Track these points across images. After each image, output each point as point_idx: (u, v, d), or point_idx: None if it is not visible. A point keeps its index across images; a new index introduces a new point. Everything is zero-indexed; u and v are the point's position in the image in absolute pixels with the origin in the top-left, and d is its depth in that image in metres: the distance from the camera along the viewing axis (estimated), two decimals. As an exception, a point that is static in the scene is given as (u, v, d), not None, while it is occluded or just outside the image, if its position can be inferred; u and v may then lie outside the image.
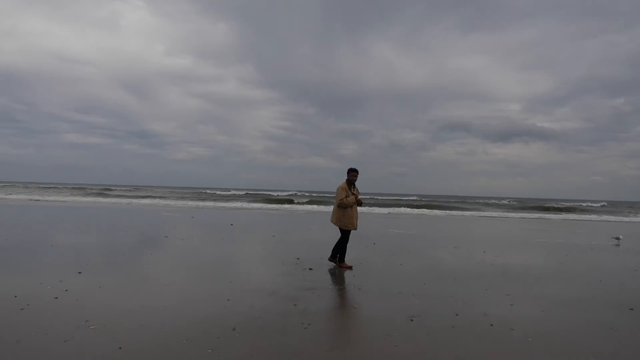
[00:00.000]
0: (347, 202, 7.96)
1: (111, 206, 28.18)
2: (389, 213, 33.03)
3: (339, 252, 8.30)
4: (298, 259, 8.97)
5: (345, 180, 8.20)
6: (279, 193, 63.38)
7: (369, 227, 16.96)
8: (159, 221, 16.99)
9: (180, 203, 36.04)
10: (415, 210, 37.31)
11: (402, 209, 38.29)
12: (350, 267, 8.21)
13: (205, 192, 58.59)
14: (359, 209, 8.20)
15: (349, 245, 9.09)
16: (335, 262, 8.18)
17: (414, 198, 58.79)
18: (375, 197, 58.03)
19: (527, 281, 7.54)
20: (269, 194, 58.52)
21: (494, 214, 37.50)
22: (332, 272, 7.82)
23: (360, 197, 8.37)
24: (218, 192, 57.25)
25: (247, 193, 57.52)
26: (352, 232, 8.24)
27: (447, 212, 37.10)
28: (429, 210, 39.03)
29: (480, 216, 33.14)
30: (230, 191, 59.79)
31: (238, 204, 38.69)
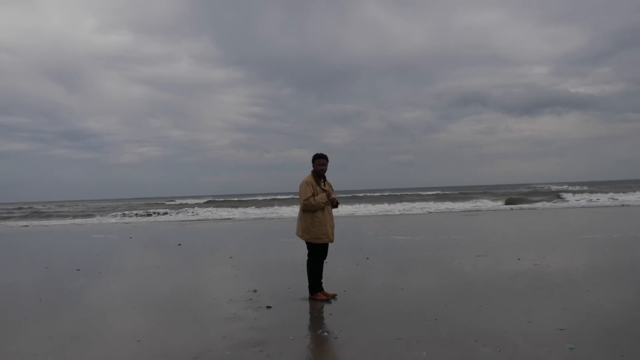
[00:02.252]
0: (315, 202, 6.92)
1: (36, 230, 26.88)
2: (390, 213, 32.28)
3: (315, 281, 7.20)
4: (255, 291, 7.89)
5: (310, 173, 7.11)
6: (251, 197, 62.26)
7: (363, 236, 16.47)
8: (84, 248, 16.08)
9: (119, 220, 34.79)
10: (426, 206, 36.39)
11: (408, 206, 37.29)
12: (330, 297, 7.16)
13: (158, 203, 57.50)
14: (335, 212, 7.10)
15: (327, 266, 7.90)
16: (319, 298, 7.10)
17: (423, 193, 57.81)
18: (373, 194, 56.98)
19: (584, 302, 6.46)
20: (239, 199, 57.36)
21: (525, 205, 36.78)
22: (299, 310, 6.61)
23: (334, 195, 6.95)
24: (170, 203, 55.99)
25: (209, 201, 56.37)
26: (330, 245, 6.82)
27: (465, 205, 36.18)
28: (441, 204, 38.07)
29: (508, 210, 32.34)
30: (186, 200, 58.32)
31: (194, 216, 37.76)
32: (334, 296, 7.22)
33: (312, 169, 7.16)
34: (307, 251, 7.24)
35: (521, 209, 33.00)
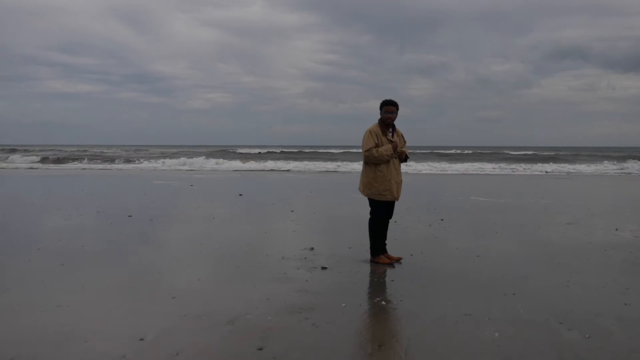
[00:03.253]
0: (377, 154, 6.51)
1: (98, 174, 27.75)
2: (473, 172, 31.68)
3: (377, 242, 6.86)
4: (312, 249, 7.64)
5: (377, 122, 6.69)
6: (324, 150, 62.26)
7: (439, 195, 16.07)
8: (141, 193, 16.34)
9: (184, 167, 35.36)
10: (512, 167, 35.17)
11: (493, 165, 36.23)
12: (394, 261, 6.83)
13: (227, 151, 58.31)
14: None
15: (395, 226, 7.50)
16: (381, 261, 6.78)
17: (512, 152, 56.00)
18: (455, 151, 55.64)
19: None
20: (310, 150, 57.43)
21: (627, 168, 35.16)
22: (358, 274, 6.27)
23: (404, 148, 6.52)
24: (240, 151, 56.62)
25: (282, 151, 56.67)
26: (401, 204, 6.44)
27: (558, 168, 34.91)
28: (531, 165, 36.79)
29: (607, 174, 30.95)
30: (256, 150, 58.86)
31: (264, 164, 38.00)
32: (398, 260, 6.87)
33: (378, 118, 6.72)
34: (369, 209, 6.84)
35: (622, 173, 31.42)
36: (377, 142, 6.53)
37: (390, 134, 6.67)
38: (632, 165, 36.34)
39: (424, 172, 31.68)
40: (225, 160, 40.73)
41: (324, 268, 6.51)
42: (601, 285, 5.72)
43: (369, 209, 6.86)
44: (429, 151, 56.91)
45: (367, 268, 6.58)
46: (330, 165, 37.46)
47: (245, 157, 47.55)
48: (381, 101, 6.68)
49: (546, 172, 32.07)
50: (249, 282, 5.86)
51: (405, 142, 6.87)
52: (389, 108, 6.59)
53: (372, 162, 6.58)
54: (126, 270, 6.41)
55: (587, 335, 4.22)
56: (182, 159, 41.10)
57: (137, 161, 43.06)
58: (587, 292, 5.50)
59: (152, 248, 7.77)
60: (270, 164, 38.58)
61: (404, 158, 6.72)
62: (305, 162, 40.58)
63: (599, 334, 4.26)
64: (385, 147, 6.50)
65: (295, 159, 44.93)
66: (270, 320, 4.58)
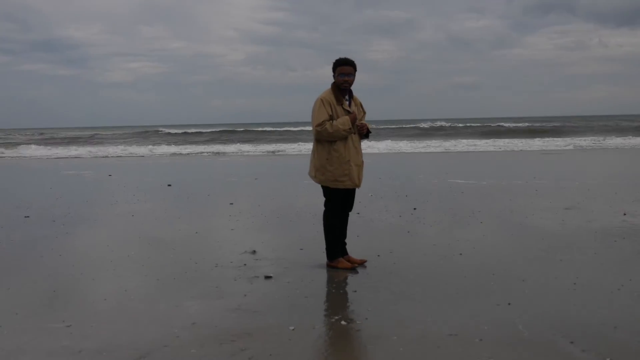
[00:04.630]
0: (332, 129, 6.10)
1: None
2: (449, 150, 31.78)
3: (334, 241, 6.47)
4: (253, 252, 7.26)
5: (329, 88, 6.32)
6: (272, 127, 62.12)
7: (410, 178, 15.88)
8: (46, 187, 15.77)
9: (102, 152, 34.72)
10: (494, 143, 35.51)
11: (471, 142, 36.46)
12: (356, 265, 6.49)
13: (155, 131, 57.75)
14: (365, 145, 6.31)
15: (357, 220, 7.00)
16: (341, 265, 6.42)
17: (492, 125, 56.56)
18: (426, 124, 55.88)
19: None
20: (256, 129, 57.28)
21: (628, 140, 35.95)
22: (311, 283, 5.90)
23: (364, 120, 6.39)
24: (171, 132, 56.04)
25: (222, 130, 56.24)
26: (357, 192, 6.60)
27: (546, 141, 35.34)
28: (516, 141, 37.12)
29: (605, 148, 31.49)
30: (190, 128, 58.37)
31: (198, 148, 37.82)
32: (362, 263, 6.51)
33: (332, 82, 6.34)
34: (323, 199, 6.43)
35: (625, 147, 32.04)
36: (331, 113, 6.12)
37: (347, 103, 6.25)
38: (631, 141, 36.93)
39: (391, 151, 31.62)
40: (153, 145, 40.08)
41: (267, 277, 6.11)
42: (616, 288, 5.43)
43: (323, 199, 6.44)
44: (395, 126, 57.05)
45: (322, 275, 6.21)
46: (281, 146, 37.20)
47: (178, 139, 47.06)
48: (334, 60, 6.26)
49: (542, 149, 32.30)
50: (170, 300, 5.39)
51: (364, 112, 6.50)
52: (344, 69, 6.18)
53: (325, 139, 6.16)
54: (11, 289, 5.84)
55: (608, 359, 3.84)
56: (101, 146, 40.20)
57: (44, 147, 41.95)
58: (599, 297, 5.19)
59: (48, 258, 7.24)
60: (206, 147, 38.22)
61: (364, 133, 6.35)
62: (249, 144, 40.30)
63: (622, 356, 3.87)
64: (341, 120, 6.08)
65: (238, 140, 44.62)
66: (194, 354, 4.08)
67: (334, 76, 6.29)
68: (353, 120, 6.17)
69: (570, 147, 32.33)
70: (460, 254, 6.94)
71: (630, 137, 38.28)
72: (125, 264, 6.84)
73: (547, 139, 38.72)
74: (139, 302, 5.39)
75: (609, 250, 7.00)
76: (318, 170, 6.28)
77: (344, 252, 6.51)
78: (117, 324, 4.78)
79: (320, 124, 6.08)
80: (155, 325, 4.69)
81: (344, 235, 6.53)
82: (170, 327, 4.63)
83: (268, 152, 33.60)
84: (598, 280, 5.71)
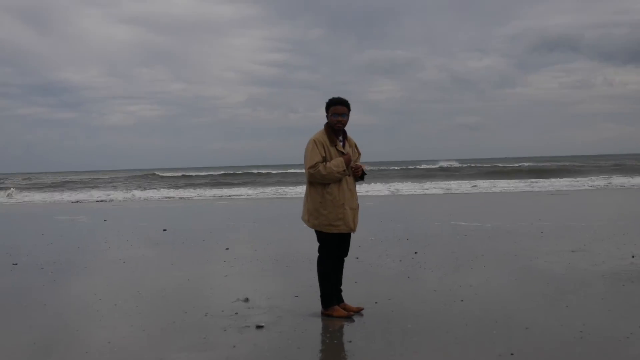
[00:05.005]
0: (325, 171, 6.01)
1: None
2: (451, 192, 31.81)
3: (329, 288, 6.33)
4: (246, 300, 7.09)
5: (322, 129, 6.27)
6: (273, 169, 62.22)
7: (411, 221, 15.69)
8: (38, 233, 15.62)
9: (99, 197, 34.70)
10: (499, 184, 35.51)
11: (475, 183, 36.48)
12: (352, 313, 6.31)
13: (154, 175, 57.92)
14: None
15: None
16: (336, 314, 6.26)
17: (498, 165, 56.59)
18: (429, 166, 55.97)
19: None
20: (257, 172, 57.43)
21: (636, 180, 36.13)
22: (304, 334, 5.73)
23: (360, 162, 6.37)
24: (171, 175, 56.27)
25: (223, 174, 56.35)
26: (356, 235, 6.54)
27: (552, 182, 35.42)
28: (521, 181, 37.07)
29: (612, 188, 31.51)
30: (189, 172, 58.50)
31: (196, 191, 38.04)
32: (359, 310, 6.35)
33: (325, 123, 6.30)
34: (317, 244, 6.31)
35: (633, 186, 32.13)
36: (324, 155, 6.05)
37: (341, 144, 6.18)
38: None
39: (393, 193, 31.59)
40: (152, 189, 40.14)
41: (259, 327, 5.94)
42: (625, 336, 5.26)
43: (317, 244, 6.32)
44: (399, 167, 57.06)
45: (317, 324, 6.06)
46: (281, 189, 37.29)
47: (176, 183, 47.10)
48: (328, 100, 6.22)
49: (553, 189, 32.24)
50: (154, 352, 5.23)
51: (359, 153, 6.42)
52: (337, 109, 6.12)
53: (318, 181, 6.09)
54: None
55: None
56: (95, 191, 40.31)
57: (38, 192, 42.04)
58: (607, 347, 5.03)
59: (33, 308, 7.08)
60: (204, 190, 38.30)
61: (359, 175, 6.23)
62: (249, 187, 40.34)
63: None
64: (335, 162, 6.01)
65: (238, 183, 44.67)
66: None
67: (327, 116, 6.23)
68: (347, 162, 6.09)
69: (577, 187, 32.28)
70: (462, 300, 6.79)
71: (638, 176, 38.28)
72: (111, 314, 6.67)
73: (552, 179, 38.69)
74: (122, 355, 5.22)
75: (617, 295, 6.87)
76: (311, 215, 6.17)
77: (339, 300, 6.36)
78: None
79: (313, 166, 5.99)
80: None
81: (340, 282, 6.39)
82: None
83: (268, 195, 33.52)
84: (606, 328, 5.57)
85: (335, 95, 6.25)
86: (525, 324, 5.72)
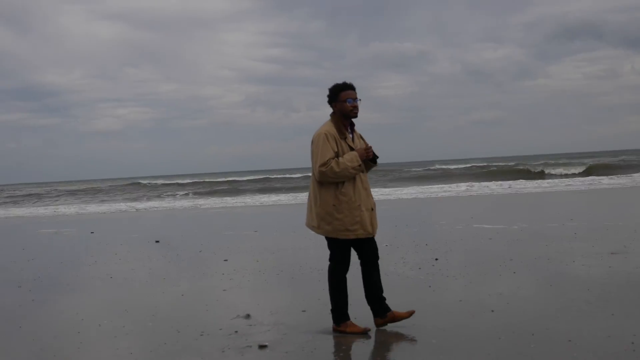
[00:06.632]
0: (339, 168, 5.77)
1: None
2: (471, 193, 31.94)
3: (341, 301, 6.13)
4: (247, 316, 6.96)
5: (329, 119, 6.07)
6: (274, 174, 62.47)
7: (431, 224, 15.83)
8: (18, 248, 15.68)
9: (87, 208, 34.82)
10: (523, 184, 35.56)
11: (497, 183, 36.50)
12: (368, 329, 6.08)
13: (145, 184, 58.26)
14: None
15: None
16: (350, 329, 6.04)
17: (521, 163, 56.56)
18: (446, 166, 55.93)
19: None
20: (255, 177, 57.75)
21: None
22: (313, 353, 5.56)
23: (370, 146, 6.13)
24: (164, 183, 56.60)
25: (220, 181, 56.61)
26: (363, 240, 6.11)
27: (580, 180, 35.40)
28: (546, 183, 37.04)
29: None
30: (184, 179, 58.73)
31: (193, 200, 38.37)
32: (409, 315, 6.21)
33: (331, 113, 6.11)
34: (328, 252, 6.13)
35: None
36: (337, 150, 5.85)
37: (350, 136, 6.04)
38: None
39: (408, 196, 31.66)
40: (142, 198, 40.35)
41: (262, 347, 5.78)
42: None
43: (327, 253, 6.16)
44: (414, 169, 57.09)
45: (328, 342, 5.89)
46: (284, 195, 37.40)
47: (170, 190, 47.37)
48: (331, 87, 6.03)
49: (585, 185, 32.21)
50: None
51: (367, 145, 6.24)
52: (349, 93, 5.93)
53: (330, 181, 5.87)
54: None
55: None
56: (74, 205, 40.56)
57: (20, 205, 42.31)
58: None
59: (6, 331, 6.95)
60: (201, 198, 38.52)
61: (371, 156, 6.02)
62: (249, 193, 40.53)
63: None
64: (349, 156, 5.80)
65: (237, 190, 44.89)
66: None
67: (334, 105, 6.04)
68: (362, 156, 5.86)
69: (608, 184, 32.29)
70: (492, 310, 6.65)
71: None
72: (94, 336, 6.53)
73: (580, 178, 38.67)
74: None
75: None
76: (323, 220, 5.93)
77: (386, 309, 6.16)
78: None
79: (325, 163, 5.75)
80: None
81: (379, 289, 6.20)
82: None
83: (270, 202, 33.61)
84: None
85: (339, 82, 6.05)
86: (567, 337, 5.54)
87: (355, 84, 6.05)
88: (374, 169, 6.39)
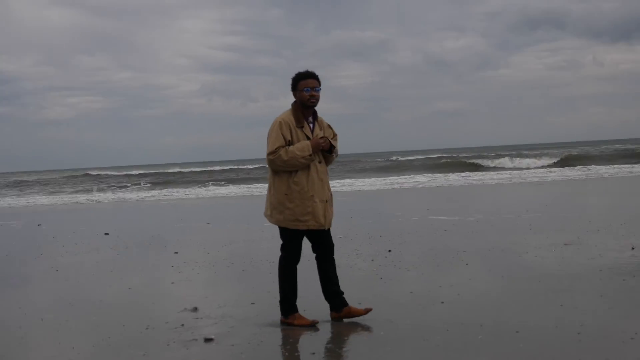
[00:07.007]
0: (287, 156, 5.79)
1: None
2: (428, 185, 32.12)
3: (290, 292, 6.14)
4: (194, 309, 6.89)
5: (290, 108, 6.10)
6: (231, 165, 62.32)
7: (385, 216, 15.82)
8: None
9: (37, 200, 34.44)
10: (482, 175, 35.88)
11: (456, 174, 36.78)
12: (316, 321, 6.11)
13: (99, 175, 57.77)
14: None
15: (316, 269, 6.71)
16: (297, 322, 6.05)
17: (480, 154, 57.04)
18: (404, 158, 56.23)
19: None
20: (211, 168, 57.60)
21: (629, 167, 36.85)
22: (259, 346, 5.56)
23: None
24: (117, 174, 56.12)
25: (178, 171, 56.34)
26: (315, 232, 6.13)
27: (538, 171, 35.86)
28: (505, 174, 37.42)
29: (604, 175, 32.09)
30: (139, 169, 58.38)
31: (147, 191, 38.08)
32: (367, 312, 6.19)
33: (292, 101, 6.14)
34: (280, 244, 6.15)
35: (630, 173, 32.69)
36: (290, 138, 5.86)
37: (310, 126, 6.03)
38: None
39: (364, 187, 31.74)
40: (93, 190, 39.96)
41: (208, 340, 5.74)
42: (629, 337, 5.14)
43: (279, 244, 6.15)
44: (370, 160, 57.25)
45: (275, 335, 5.87)
46: (240, 187, 37.27)
47: (122, 181, 47.05)
48: (294, 75, 6.04)
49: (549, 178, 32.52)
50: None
51: (335, 134, 6.24)
52: (308, 82, 5.93)
53: (280, 169, 5.89)
54: None
55: None
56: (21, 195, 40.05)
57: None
58: (608, 349, 4.91)
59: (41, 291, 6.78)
60: (153, 189, 38.26)
61: (327, 148, 6.00)
62: (204, 184, 40.34)
63: None
64: (300, 145, 5.80)
65: (191, 181, 44.68)
66: None
67: (294, 94, 6.06)
68: (315, 146, 5.84)
69: (566, 176, 32.67)
70: (442, 302, 6.68)
71: (634, 164, 38.88)
72: (36, 331, 6.45)
73: (540, 169, 39.11)
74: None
75: (617, 291, 6.81)
76: (275, 209, 5.96)
77: (342, 304, 6.16)
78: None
79: (274, 152, 5.79)
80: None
81: (334, 284, 6.19)
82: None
83: (225, 193, 33.44)
84: (607, 328, 5.49)
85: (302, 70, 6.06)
86: (515, 327, 5.60)
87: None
88: (335, 159, 6.40)
